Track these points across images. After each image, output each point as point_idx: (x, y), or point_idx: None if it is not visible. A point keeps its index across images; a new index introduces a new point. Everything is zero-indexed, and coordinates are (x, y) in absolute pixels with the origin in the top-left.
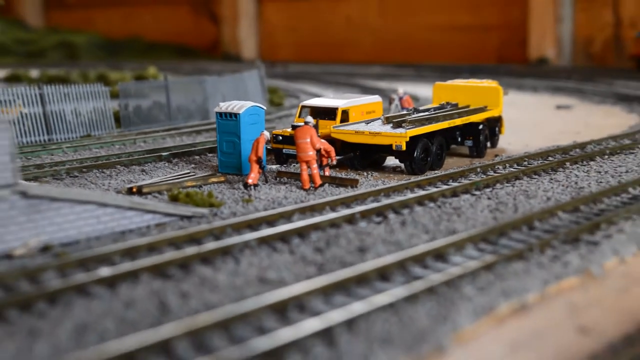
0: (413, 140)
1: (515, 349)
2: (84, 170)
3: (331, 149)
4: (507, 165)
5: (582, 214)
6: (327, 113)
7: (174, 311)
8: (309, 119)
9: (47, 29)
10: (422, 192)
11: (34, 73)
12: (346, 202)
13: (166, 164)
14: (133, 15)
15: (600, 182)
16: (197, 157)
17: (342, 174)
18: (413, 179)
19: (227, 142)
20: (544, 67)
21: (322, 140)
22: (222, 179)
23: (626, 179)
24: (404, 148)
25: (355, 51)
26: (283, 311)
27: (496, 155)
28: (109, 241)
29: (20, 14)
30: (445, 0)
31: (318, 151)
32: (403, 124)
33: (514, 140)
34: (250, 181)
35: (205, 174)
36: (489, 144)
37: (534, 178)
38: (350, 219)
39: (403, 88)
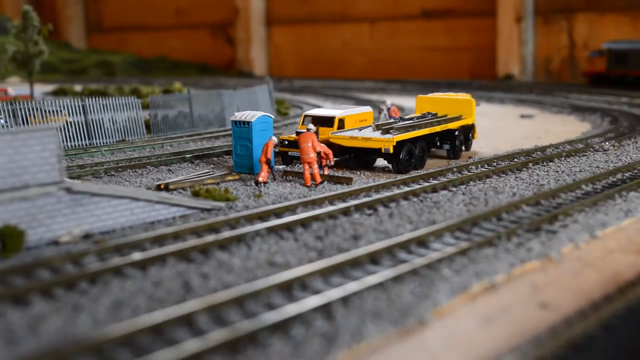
0: (399, 145)
1: (485, 322)
2: (119, 169)
3: (329, 151)
4: (479, 165)
5: (543, 207)
6: (326, 121)
7: (195, 290)
8: (311, 126)
9: (88, 50)
10: (406, 189)
11: (78, 87)
12: (342, 197)
13: (189, 165)
14: (160, 38)
15: (558, 180)
16: (215, 158)
17: (339, 173)
18: (399, 177)
19: (241, 146)
20: (510, 83)
21: (322, 144)
22: (237, 177)
23: (580, 177)
24: (391, 151)
25: (349, 69)
26: (288, 290)
27: (470, 157)
28: (141, 230)
29: (66, 37)
30: (425, 26)
31: (318, 153)
32: (390, 131)
33: (484, 145)
34: (260, 179)
35: (223, 173)
36: (463, 148)
37: (502, 176)
38: (346, 212)
39: (390, 100)
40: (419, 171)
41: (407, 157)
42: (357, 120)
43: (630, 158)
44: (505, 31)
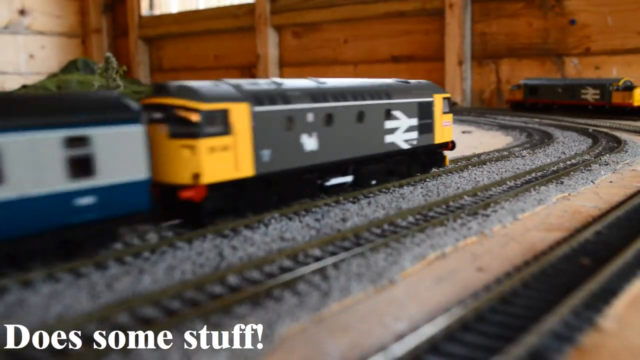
0: None
1: (438, 281)
2: None
3: None
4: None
5: (479, 197)
6: None
7: (227, 257)
8: None
9: (152, 84)
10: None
11: None
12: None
13: None
14: (204, 76)
15: (490, 178)
16: None
17: None
18: None
19: None
20: (455, 108)
21: None
22: None
23: (505, 176)
24: None
25: None
26: (295, 257)
27: None
28: None
29: (136, 75)
30: (394, 67)
31: None
32: None
33: None
34: None
35: None
36: None
37: (449, 175)
38: (337, 201)
39: None
40: None
41: None
42: None
43: (541, 162)
44: (451, 71)
